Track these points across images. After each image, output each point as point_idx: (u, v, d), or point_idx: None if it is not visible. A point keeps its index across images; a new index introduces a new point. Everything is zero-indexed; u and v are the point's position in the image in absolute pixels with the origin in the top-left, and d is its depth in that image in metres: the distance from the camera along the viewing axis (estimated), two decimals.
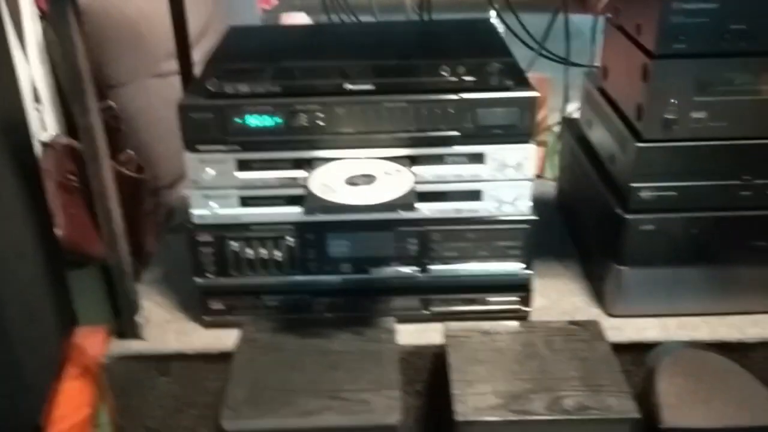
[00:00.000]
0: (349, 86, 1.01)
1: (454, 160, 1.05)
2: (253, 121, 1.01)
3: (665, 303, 1.15)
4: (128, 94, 1.42)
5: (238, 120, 1.01)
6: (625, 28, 1.13)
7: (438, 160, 1.05)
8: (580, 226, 1.31)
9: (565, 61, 1.46)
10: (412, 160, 1.04)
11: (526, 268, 1.11)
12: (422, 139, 1.03)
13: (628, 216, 1.09)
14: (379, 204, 0.93)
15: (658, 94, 1.02)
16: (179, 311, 1.18)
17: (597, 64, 1.44)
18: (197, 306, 1.13)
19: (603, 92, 1.24)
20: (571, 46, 1.60)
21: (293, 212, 1.06)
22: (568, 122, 1.42)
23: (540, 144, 1.59)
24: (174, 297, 1.21)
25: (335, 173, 1.01)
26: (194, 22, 1.37)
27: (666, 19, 0.98)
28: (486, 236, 1.09)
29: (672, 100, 1.02)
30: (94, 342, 1.16)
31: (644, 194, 1.08)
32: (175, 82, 1.38)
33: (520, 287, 1.12)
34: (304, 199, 0.98)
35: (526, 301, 1.13)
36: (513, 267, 1.10)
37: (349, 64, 1.01)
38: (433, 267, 1.10)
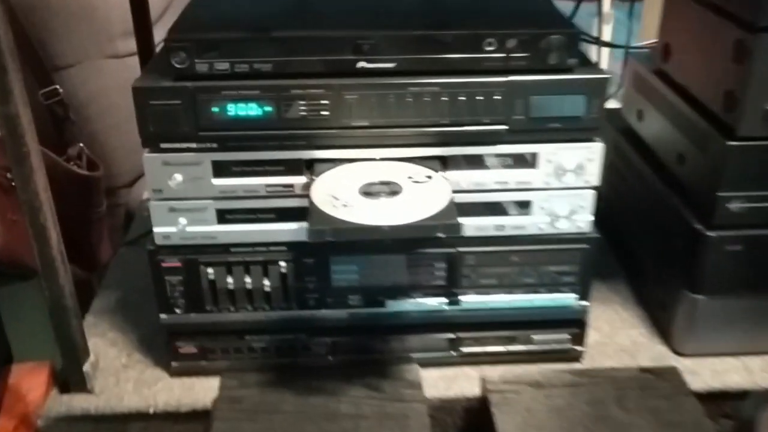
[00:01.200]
0: (362, 64, 0.75)
1: (498, 162, 0.80)
2: (235, 109, 0.75)
3: (748, 339, 0.91)
4: (78, 76, 1.24)
5: (214, 109, 0.75)
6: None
7: (476, 162, 0.80)
8: (630, 241, 1.06)
9: (598, 41, 1.21)
10: (444, 163, 0.79)
11: (581, 299, 0.86)
12: (458, 135, 0.77)
13: (710, 233, 0.84)
14: (413, 225, 0.67)
15: (761, 78, 0.78)
16: (139, 352, 0.92)
17: (638, 44, 1.20)
18: (163, 347, 0.86)
19: (663, 76, 0.99)
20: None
21: (287, 229, 0.81)
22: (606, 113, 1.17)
23: None
24: (133, 332, 0.95)
25: (346, 180, 0.75)
26: None
27: None
28: (533, 259, 0.84)
29: None
30: (33, 383, 0.90)
31: (734, 206, 0.83)
32: (134, 63, 1.14)
33: (573, 322, 0.88)
34: (306, 215, 0.72)
35: (579, 339, 0.88)
36: (565, 297, 0.86)
37: (362, 34, 0.74)
38: (464, 298, 0.85)
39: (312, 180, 0.76)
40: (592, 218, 0.83)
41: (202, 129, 0.76)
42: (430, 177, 0.76)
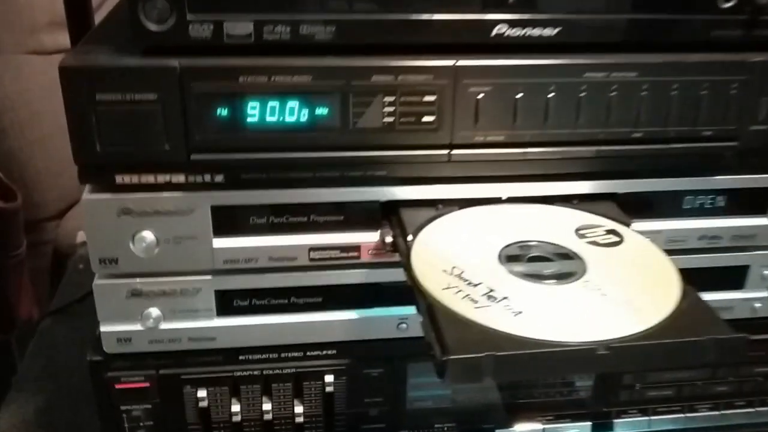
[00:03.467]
0: (502, 29, 0.39)
1: (706, 205, 0.45)
2: (261, 112, 0.38)
3: None
4: None
5: (221, 111, 0.38)
6: None
7: (674, 203, 0.45)
8: None
9: None
10: (621, 204, 0.44)
11: None
12: (652, 156, 0.42)
13: None
14: (653, 344, 0.32)
15: None
16: None
17: None
18: None
19: None
20: None
21: (342, 321, 0.44)
22: None
23: None
24: None
25: (469, 240, 0.39)
26: None
27: None
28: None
29: None
30: None
31: None
32: None
33: None
34: (416, 306, 0.36)
35: None
36: None
37: None
38: (623, 420, 0.50)
39: (407, 240, 0.40)
40: None
41: (197, 149, 0.39)
42: (619, 236, 0.40)
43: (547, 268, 0.38)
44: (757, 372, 0.52)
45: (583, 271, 0.37)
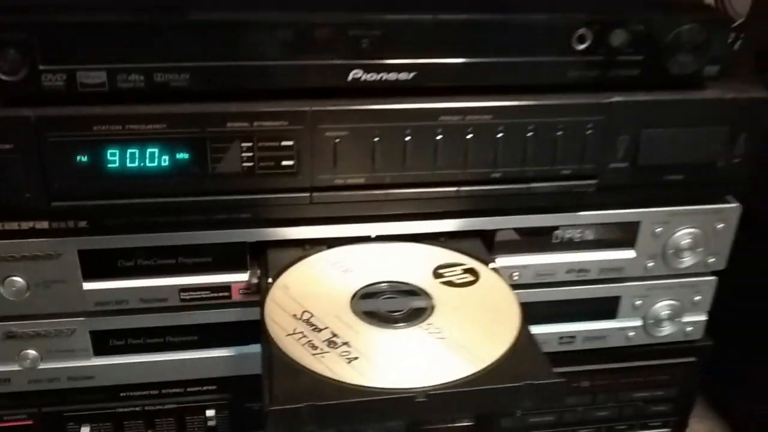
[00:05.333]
0: (358, 74, 0.39)
1: (576, 238, 0.45)
2: (121, 159, 0.38)
3: None
4: None
5: (81, 157, 0.38)
6: None
7: (542, 239, 0.45)
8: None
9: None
10: (489, 242, 0.44)
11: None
12: (516, 196, 0.42)
13: None
14: (468, 391, 0.32)
15: None
16: None
17: None
18: None
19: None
20: None
21: (218, 357, 0.44)
22: None
23: None
24: None
25: (327, 284, 0.39)
26: None
27: None
28: (613, 383, 0.50)
29: None
30: None
31: None
32: None
33: None
34: (259, 345, 0.36)
35: None
36: None
37: (359, 18, 0.39)
38: None
39: (267, 283, 0.40)
40: (706, 317, 0.50)
41: (57, 197, 0.39)
42: (475, 275, 0.40)
43: (396, 311, 0.38)
44: (636, 397, 0.52)
45: (430, 314, 0.37)
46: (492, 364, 0.33)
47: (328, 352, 0.34)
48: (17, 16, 0.37)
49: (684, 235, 0.47)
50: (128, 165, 0.39)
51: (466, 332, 0.36)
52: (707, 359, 0.52)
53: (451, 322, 0.36)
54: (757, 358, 0.57)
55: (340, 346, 0.34)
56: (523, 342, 0.35)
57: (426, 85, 0.40)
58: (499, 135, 0.41)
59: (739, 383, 0.62)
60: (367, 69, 0.40)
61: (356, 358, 0.34)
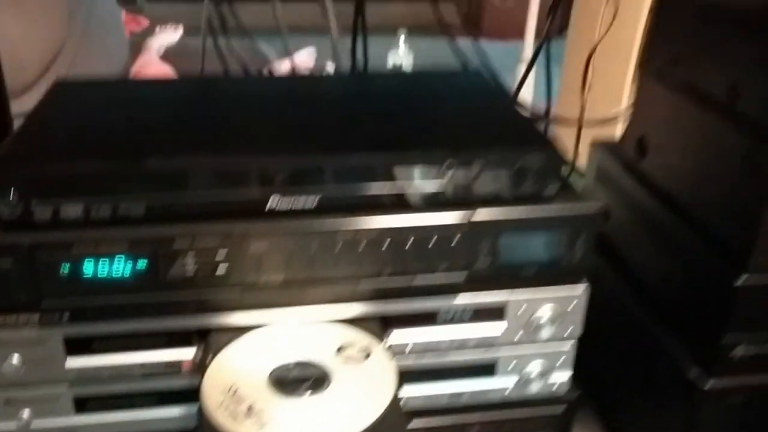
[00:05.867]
0: (274, 202, 0.51)
1: (456, 317, 0.57)
2: (94, 268, 0.50)
3: None
4: None
5: (63, 269, 0.50)
6: (699, 89, 0.69)
7: (428, 318, 0.57)
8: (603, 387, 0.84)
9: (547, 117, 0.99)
10: (386, 322, 0.56)
11: None
12: (403, 289, 0.55)
13: (708, 384, 0.64)
14: None
15: None
16: None
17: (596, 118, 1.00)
18: None
19: (639, 175, 0.78)
20: None
21: (174, 416, 0.56)
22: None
23: None
24: None
25: (252, 362, 0.51)
26: (29, 48, 0.83)
27: None
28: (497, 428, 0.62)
29: None
30: None
31: (740, 353, 0.64)
32: None
33: None
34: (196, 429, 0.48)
35: None
36: None
37: (273, 160, 0.51)
38: None
39: (207, 360, 0.52)
40: (571, 373, 0.62)
41: (47, 296, 0.51)
42: (367, 354, 0.53)
43: (303, 383, 0.50)
44: None
45: (328, 386, 0.50)
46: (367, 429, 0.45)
47: (245, 420, 0.46)
48: (14, 167, 0.49)
49: (544, 311, 0.59)
50: (99, 274, 0.51)
51: (354, 397, 0.48)
52: (574, 408, 0.64)
53: (343, 396, 0.48)
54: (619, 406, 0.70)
55: (255, 414, 0.46)
56: (390, 413, 0.47)
57: (327, 208, 0.53)
58: (386, 245, 0.53)
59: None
60: (282, 196, 0.52)
61: (266, 424, 0.46)
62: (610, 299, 0.76)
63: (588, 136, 0.91)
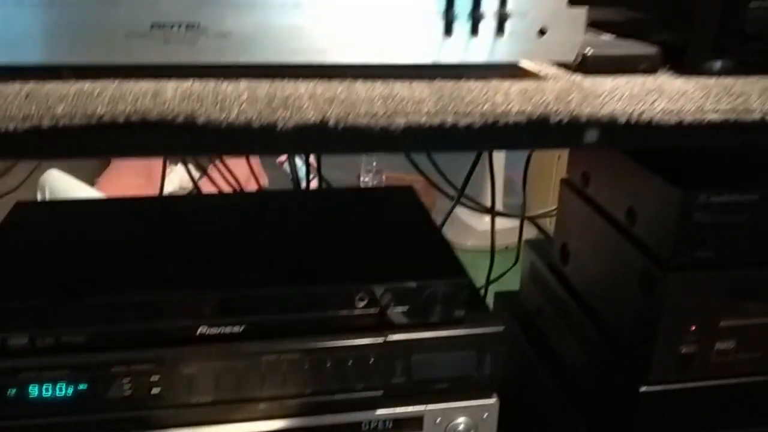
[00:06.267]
0: (204, 329, 0.57)
1: (378, 427, 0.62)
2: (39, 391, 0.55)
3: None
4: None
5: (11, 392, 0.55)
6: (602, 208, 0.75)
7: (351, 430, 0.62)
8: None
9: (493, 211, 1.06)
10: None
11: None
12: (323, 405, 0.60)
13: None
14: None
15: (672, 318, 0.65)
16: None
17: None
18: None
19: (562, 278, 0.85)
20: None
21: None
22: (501, 297, 1.02)
23: None
24: None
25: None
26: None
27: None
28: None
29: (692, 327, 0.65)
30: None
31: None
32: None
33: None
34: None
35: None
36: None
37: (201, 295, 0.57)
38: None
39: None
40: None
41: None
42: None
43: None
44: None
45: None
46: None
47: None
48: None
49: (459, 423, 0.64)
50: (44, 395, 0.56)
51: None
52: None
53: None
54: None
55: None
56: None
57: (252, 334, 0.58)
58: (307, 365, 0.59)
59: None
60: (210, 325, 0.57)
61: None
62: (539, 390, 0.82)
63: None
